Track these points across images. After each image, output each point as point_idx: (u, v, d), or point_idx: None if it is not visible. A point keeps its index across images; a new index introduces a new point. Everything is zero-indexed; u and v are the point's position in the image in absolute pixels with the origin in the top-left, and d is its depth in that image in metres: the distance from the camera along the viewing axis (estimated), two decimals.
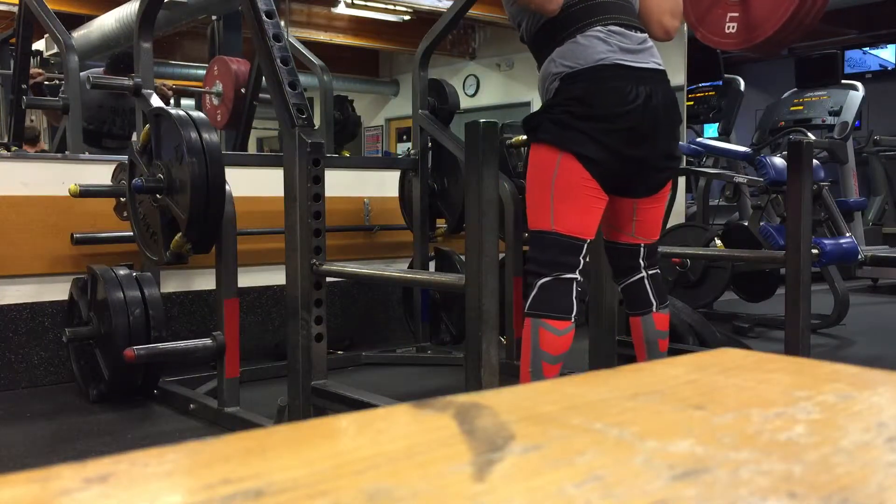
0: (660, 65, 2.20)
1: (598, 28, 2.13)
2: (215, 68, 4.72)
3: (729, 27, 2.54)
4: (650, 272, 2.36)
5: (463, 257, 1.98)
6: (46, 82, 4.86)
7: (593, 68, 2.09)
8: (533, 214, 2.16)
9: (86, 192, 2.94)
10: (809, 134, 4.86)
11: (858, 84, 6.42)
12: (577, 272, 2.09)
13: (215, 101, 4.65)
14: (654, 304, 2.35)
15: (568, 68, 2.11)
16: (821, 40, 10.24)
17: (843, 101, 6.20)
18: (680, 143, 2.46)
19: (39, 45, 6.18)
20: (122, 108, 4.58)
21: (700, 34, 2.66)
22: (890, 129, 8.14)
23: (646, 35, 2.23)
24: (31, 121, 5.95)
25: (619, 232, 2.34)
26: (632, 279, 2.36)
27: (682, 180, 5.04)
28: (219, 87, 4.61)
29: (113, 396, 2.84)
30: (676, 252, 3.79)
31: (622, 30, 2.17)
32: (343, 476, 0.36)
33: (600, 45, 2.12)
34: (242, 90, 4.42)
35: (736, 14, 2.52)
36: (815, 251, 2.70)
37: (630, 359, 2.69)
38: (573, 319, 2.08)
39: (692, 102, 6.07)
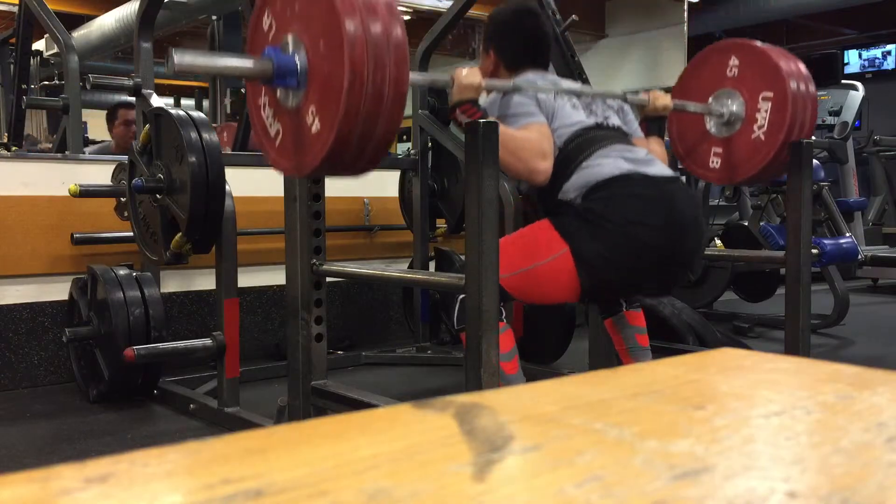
0: (672, 173, 2.19)
1: (600, 152, 2.13)
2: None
3: (713, 161, 2.67)
4: None
5: (463, 257, 1.98)
6: (46, 82, 4.88)
7: (611, 179, 2.07)
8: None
9: (86, 192, 2.94)
10: None
11: (858, 84, 6.43)
12: None
13: None
14: (623, 304, 2.44)
15: (584, 187, 2.08)
16: (821, 40, 10.25)
17: (843, 101, 6.20)
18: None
19: (39, 45, 6.18)
20: None
21: (687, 164, 2.79)
22: (890, 129, 8.14)
23: (646, 150, 2.25)
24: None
25: None
26: None
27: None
28: None
29: (113, 396, 2.84)
30: None
31: (623, 146, 2.18)
32: (343, 476, 0.36)
33: (609, 161, 2.11)
34: (243, 90, 4.42)
35: (720, 150, 2.65)
36: (815, 251, 2.70)
37: None
38: (504, 320, 2.11)
39: None
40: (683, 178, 5.09)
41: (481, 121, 1.76)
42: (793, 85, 2.46)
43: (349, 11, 1.50)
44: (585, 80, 3.10)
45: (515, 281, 2.08)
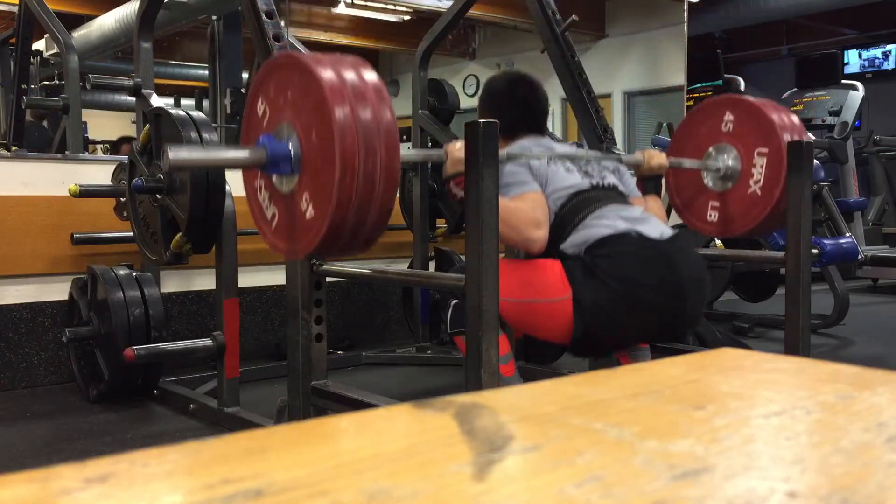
0: (672, 232, 2.19)
1: (596, 213, 2.14)
2: None
3: (711, 215, 2.69)
4: None
5: (463, 257, 1.98)
6: (46, 82, 4.91)
7: (608, 238, 2.07)
8: (504, 276, 2.04)
9: (86, 192, 2.94)
10: (809, 134, 4.85)
11: (858, 84, 6.43)
12: None
13: None
14: None
15: (583, 245, 2.09)
16: (821, 40, 10.25)
17: (843, 101, 6.20)
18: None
19: (39, 45, 6.18)
20: None
21: (685, 218, 2.81)
22: (890, 129, 8.14)
23: (643, 208, 2.26)
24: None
25: None
26: None
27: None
28: None
29: (113, 396, 2.84)
30: None
31: (619, 206, 2.19)
32: (343, 476, 0.36)
33: (605, 221, 2.11)
34: (243, 90, 4.42)
35: (717, 205, 2.67)
36: (815, 251, 2.71)
37: None
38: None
39: (692, 102, 6.07)
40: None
41: (481, 121, 1.76)
42: (787, 139, 2.46)
43: (339, 100, 1.52)
44: (585, 80, 3.10)
45: (510, 307, 2.08)
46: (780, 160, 2.46)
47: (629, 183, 2.41)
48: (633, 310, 2.04)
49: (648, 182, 2.50)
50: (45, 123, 5.83)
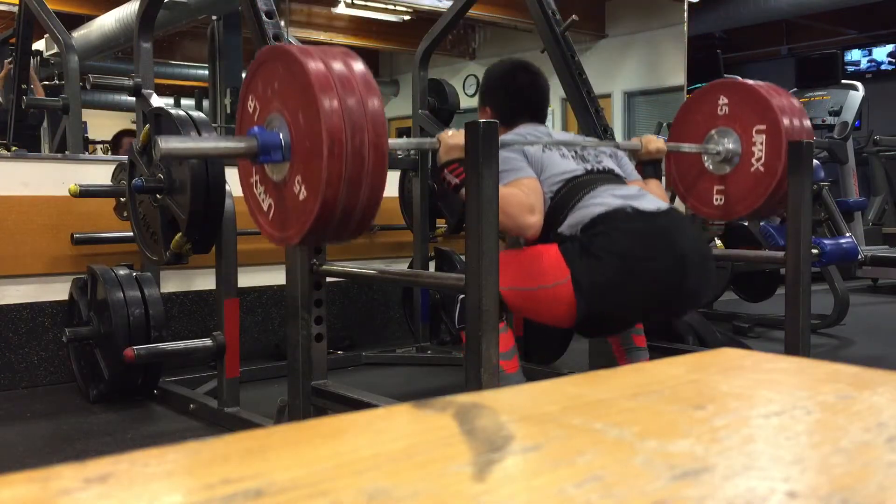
0: (667, 206, 2.19)
1: (590, 194, 2.14)
2: None
3: (717, 199, 2.71)
4: None
5: (463, 257, 1.98)
6: (45, 82, 4.91)
7: (603, 215, 2.06)
8: (504, 266, 2.04)
9: (86, 192, 2.94)
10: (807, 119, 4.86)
11: (858, 84, 6.43)
12: None
13: None
14: None
15: (578, 225, 2.09)
16: (821, 40, 10.25)
17: (843, 101, 6.20)
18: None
19: (39, 45, 6.18)
20: None
21: (690, 203, 2.83)
22: (890, 129, 8.14)
23: (639, 186, 2.26)
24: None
25: None
26: None
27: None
28: None
29: (113, 396, 2.84)
30: None
31: (613, 186, 2.19)
32: (343, 476, 0.36)
33: (598, 200, 2.11)
34: None
35: (722, 188, 2.69)
36: (815, 251, 2.71)
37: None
38: (504, 320, 2.12)
39: None
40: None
41: (481, 121, 1.76)
42: (784, 116, 2.48)
43: (322, 80, 1.56)
44: (585, 80, 3.10)
45: (514, 296, 2.09)
46: (779, 134, 2.47)
47: (627, 167, 2.41)
48: (634, 283, 2.03)
49: (647, 167, 2.49)
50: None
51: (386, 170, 1.63)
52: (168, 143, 1.63)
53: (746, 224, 4.30)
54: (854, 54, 10.58)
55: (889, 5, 8.62)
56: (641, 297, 2.06)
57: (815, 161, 3.93)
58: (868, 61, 10.53)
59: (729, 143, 2.62)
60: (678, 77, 6.47)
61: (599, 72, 7.76)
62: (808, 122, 2.58)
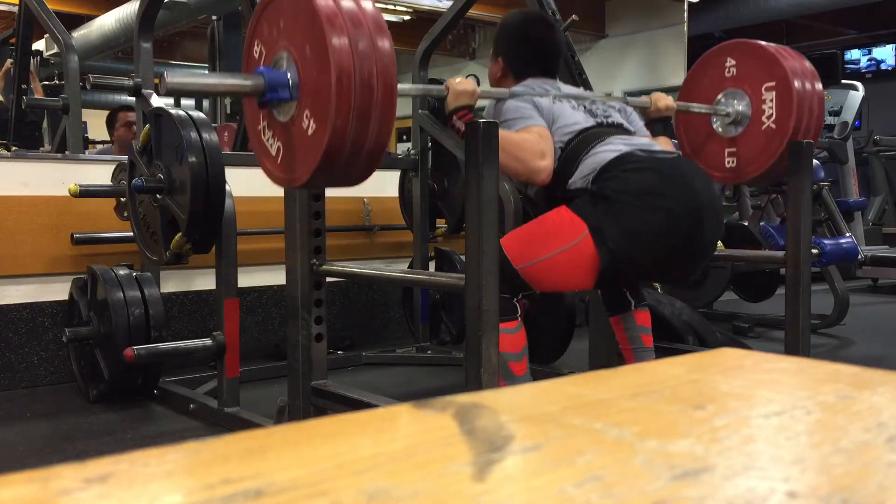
0: (677, 153, 2.20)
1: (600, 144, 2.14)
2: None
3: (729, 161, 2.70)
4: None
5: (463, 257, 1.98)
6: (45, 82, 4.90)
7: (615, 160, 2.06)
8: (517, 244, 2.11)
9: (86, 192, 2.94)
10: None
11: (858, 84, 6.43)
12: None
13: None
14: (632, 303, 2.44)
15: (590, 174, 2.08)
16: (821, 40, 10.25)
17: (843, 101, 6.21)
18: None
19: (39, 45, 6.18)
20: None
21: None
22: (890, 129, 8.14)
23: (648, 137, 2.26)
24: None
25: None
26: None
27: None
28: None
29: (113, 396, 2.84)
30: None
31: (625, 136, 2.19)
32: (343, 476, 0.36)
33: (611, 148, 2.11)
34: None
35: (733, 150, 2.69)
36: (815, 251, 2.71)
37: None
38: (519, 318, 2.12)
39: None
40: None
41: (481, 121, 1.76)
42: (792, 68, 2.49)
43: (331, 16, 1.53)
44: (585, 80, 3.10)
45: (534, 270, 2.08)
46: (790, 88, 2.48)
47: (636, 122, 2.40)
48: (652, 222, 2.00)
49: (657, 124, 2.48)
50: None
51: (395, 102, 1.59)
52: (174, 78, 1.61)
53: (746, 224, 4.30)
54: (854, 54, 10.58)
55: (889, 5, 8.62)
56: (661, 237, 2.02)
57: (815, 161, 3.93)
58: (868, 60, 10.53)
59: (739, 105, 2.62)
60: (678, 77, 6.47)
61: (599, 72, 7.75)
62: (819, 85, 2.55)
